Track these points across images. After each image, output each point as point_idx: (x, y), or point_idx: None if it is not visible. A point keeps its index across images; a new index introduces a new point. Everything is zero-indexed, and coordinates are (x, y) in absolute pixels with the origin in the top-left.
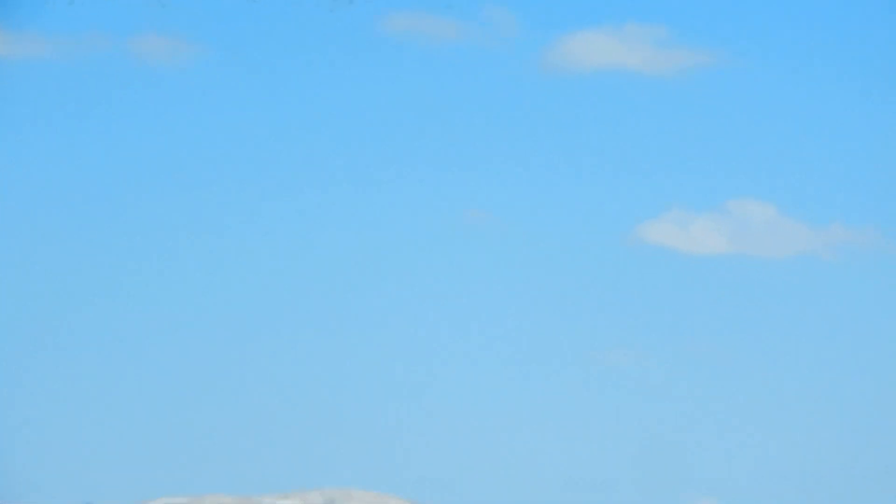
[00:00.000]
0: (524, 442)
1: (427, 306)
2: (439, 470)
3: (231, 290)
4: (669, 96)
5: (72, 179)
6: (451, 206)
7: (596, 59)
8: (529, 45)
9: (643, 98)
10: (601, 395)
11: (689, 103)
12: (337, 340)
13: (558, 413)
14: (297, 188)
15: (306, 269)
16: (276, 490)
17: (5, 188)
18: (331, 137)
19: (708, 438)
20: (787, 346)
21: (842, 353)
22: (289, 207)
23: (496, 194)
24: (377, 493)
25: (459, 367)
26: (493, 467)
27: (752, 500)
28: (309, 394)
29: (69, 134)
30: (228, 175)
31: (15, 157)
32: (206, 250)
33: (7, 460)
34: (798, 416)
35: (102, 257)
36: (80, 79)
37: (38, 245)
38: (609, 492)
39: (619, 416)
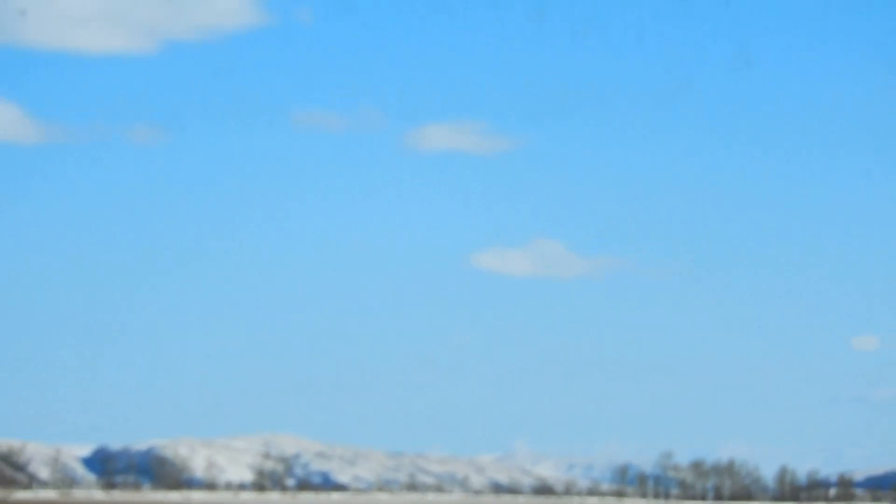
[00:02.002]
0: (414, 392)
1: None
2: (348, 416)
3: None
4: (491, 167)
5: None
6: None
7: (440, 143)
8: (394, 132)
9: (473, 168)
10: (454, 360)
11: (504, 171)
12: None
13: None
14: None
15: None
16: (229, 433)
17: None
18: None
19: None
20: (568, 339)
21: (599, 345)
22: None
23: (359, 227)
24: (300, 437)
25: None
26: (376, 409)
27: (558, 440)
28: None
29: None
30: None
31: None
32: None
33: None
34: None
35: None
36: None
37: None
38: (462, 433)
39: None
